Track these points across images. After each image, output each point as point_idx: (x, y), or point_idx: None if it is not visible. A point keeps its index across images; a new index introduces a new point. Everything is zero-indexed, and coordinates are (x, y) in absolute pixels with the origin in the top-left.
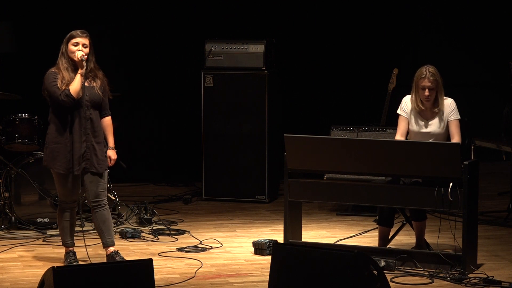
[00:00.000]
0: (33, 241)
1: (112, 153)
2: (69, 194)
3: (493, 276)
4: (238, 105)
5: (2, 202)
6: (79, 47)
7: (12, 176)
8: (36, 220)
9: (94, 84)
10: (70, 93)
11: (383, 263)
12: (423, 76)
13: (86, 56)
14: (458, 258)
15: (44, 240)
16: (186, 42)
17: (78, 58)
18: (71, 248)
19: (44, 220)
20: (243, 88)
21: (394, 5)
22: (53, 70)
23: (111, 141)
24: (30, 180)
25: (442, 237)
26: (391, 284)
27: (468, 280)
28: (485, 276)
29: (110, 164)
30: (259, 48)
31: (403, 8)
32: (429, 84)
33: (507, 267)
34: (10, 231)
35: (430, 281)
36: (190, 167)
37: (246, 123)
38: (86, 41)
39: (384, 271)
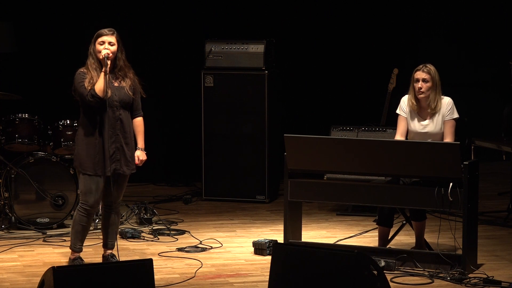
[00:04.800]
0: (33, 241)
1: (140, 154)
2: (94, 198)
3: (493, 276)
4: (238, 105)
5: (2, 202)
6: (105, 45)
7: (12, 176)
8: (36, 220)
9: (124, 84)
10: (96, 93)
11: (383, 263)
12: (419, 69)
13: (111, 55)
14: (458, 258)
15: (44, 240)
16: (186, 42)
17: (101, 57)
18: (78, 254)
19: (44, 220)
20: (243, 88)
21: (394, 6)
22: (82, 70)
23: (140, 142)
24: (30, 180)
25: (442, 237)
26: (391, 284)
27: (468, 280)
28: (485, 276)
29: (137, 164)
30: (259, 48)
31: (403, 8)
32: (423, 75)
33: (507, 267)
34: (10, 231)
35: (430, 281)
36: (190, 167)
37: (246, 123)
38: (112, 39)
39: (384, 271)
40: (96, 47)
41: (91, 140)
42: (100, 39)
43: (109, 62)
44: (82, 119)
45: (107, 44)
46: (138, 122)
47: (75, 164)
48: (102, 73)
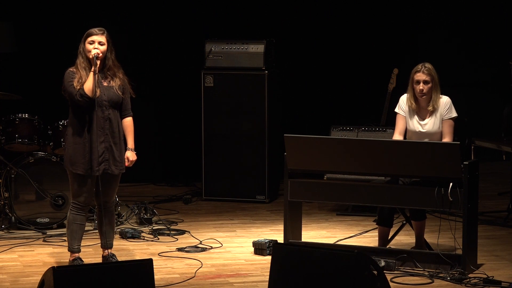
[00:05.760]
0: (33, 241)
1: (130, 154)
2: (85, 196)
3: (493, 276)
4: (238, 105)
5: (2, 202)
6: (95, 45)
7: (12, 176)
8: (36, 220)
9: (113, 83)
10: (85, 92)
11: (383, 263)
12: (418, 70)
13: (100, 55)
14: (458, 258)
15: (44, 240)
16: (186, 42)
17: (91, 56)
18: (77, 254)
19: (44, 220)
20: (243, 88)
21: (394, 5)
22: (72, 69)
23: (130, 142)
24: (30, 180)
25: (442, 237)
26: (391, 284)
27: (468, 280)
28: (485, 276)
29: (127, 165)
30: (259, 48)
31: (403, 8)
32: (424, 77)
33: (507, 267)
34: (10, 231)
35: (430, 281)
36: (190, 167)
37: (246, 123)
38: (102, 38)
39: (384, 271)
40: (86, 47)
41: (80, 140)
42: (90, 39)
43: (98, 61)
44: (72, 119)
45: (96, 44)
46: (128, 122)
47: (65, 164)
48: (91, 73)
